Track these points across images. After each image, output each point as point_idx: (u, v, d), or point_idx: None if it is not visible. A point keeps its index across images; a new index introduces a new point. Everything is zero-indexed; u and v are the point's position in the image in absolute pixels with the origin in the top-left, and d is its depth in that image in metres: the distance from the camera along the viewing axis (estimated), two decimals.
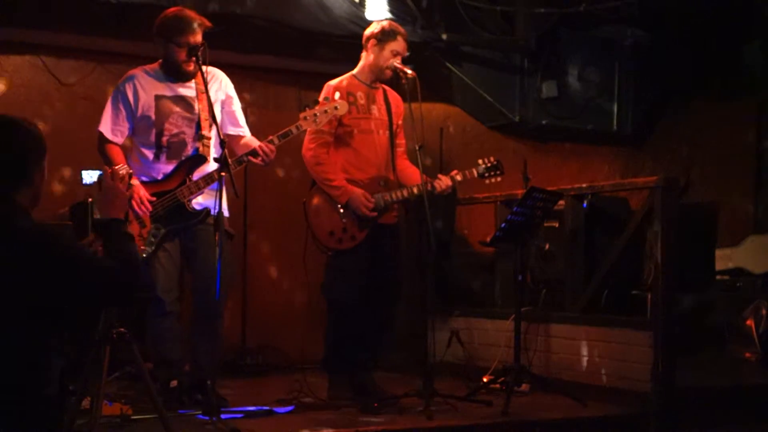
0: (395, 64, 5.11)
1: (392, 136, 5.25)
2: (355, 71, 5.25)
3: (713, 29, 7.75)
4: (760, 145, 8.69)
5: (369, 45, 5.18)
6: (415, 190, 5.05)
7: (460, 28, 7.03)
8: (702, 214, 6.82)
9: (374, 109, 5.20)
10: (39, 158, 2.87)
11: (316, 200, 5.10)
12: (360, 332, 5.17)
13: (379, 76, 5.21)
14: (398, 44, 5.12)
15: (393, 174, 5.25)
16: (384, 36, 5.12)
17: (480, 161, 5.27)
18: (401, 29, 5.20)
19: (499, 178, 5.29)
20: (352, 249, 5.07)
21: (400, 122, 5.32)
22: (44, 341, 2.70)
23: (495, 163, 5.26)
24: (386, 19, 6.11)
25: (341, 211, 5.04)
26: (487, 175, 5.26)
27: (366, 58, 5.21)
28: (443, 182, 5.14)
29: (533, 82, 7.46)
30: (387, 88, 5.33)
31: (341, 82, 5.17)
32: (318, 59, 6.78)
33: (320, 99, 4.94)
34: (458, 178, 5.19)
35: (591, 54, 7.66)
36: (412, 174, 5.21)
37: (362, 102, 5.16)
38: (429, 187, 5.05)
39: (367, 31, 5.22)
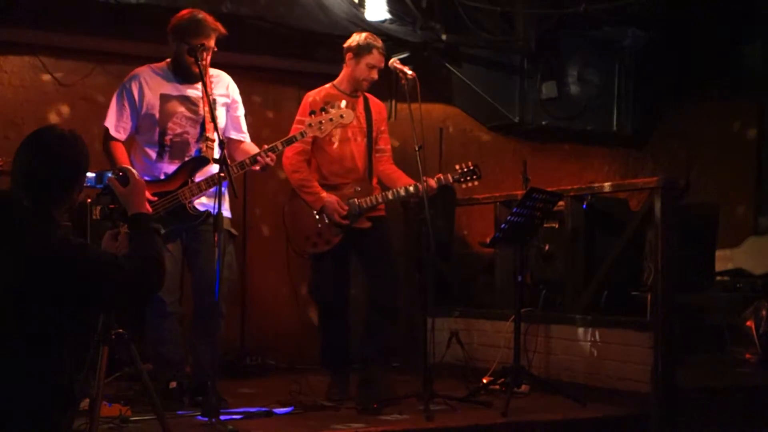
0: (395, 64, 5.20)
1: (370, 143, 5.35)
2: (336, 81, 5.38)
3: (713, 29, 7.74)
4: (760, 145, 8.68)
5: (346, 58, 5.32)
6: (390, 195, 5.21)
7: (460, 29, 7.03)
8: (702, 215, 6.81)
9: None
10: (84, 176, 2.89)
11: (293, 205, 5.29)
12: (367, 328, 5.32)
13: (357, 87, 5.33)
14: (373, 57, 5.25)
15: (370, 180, 5.35)
16: (359, 50, 5.26)
17: (457, 166, 5.31)
18: (378, 42, 5.30)
19: (476, 183, 5.33)
20: (327, 252, 5.21)
21: (382, 128, 5.44)
22: (64, 347, 2.77)
23: (472, 167, 5.30)
24: (383, 27, 6.19)
25: (317, 216, 5.18)
26: (462, 180, 5.30)
27: (344, 69, 5.35)
28: (421, 186, 5.12)
29: (533, 83, 7.46)
30: (369, 95, 5.44)
31: (319, 92, 5.30)
32: (318, 59, 6.78)
33: (299, 111, 5.12)
34: (433, 185, 5.16)
35: (591, 54, 7.66)
36: (398, 178, 5.35)
37: None
38: (402, 194, 5.19)
39: (345, 44, 5.34)
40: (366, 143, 5.34)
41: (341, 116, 4.87)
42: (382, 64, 5.27)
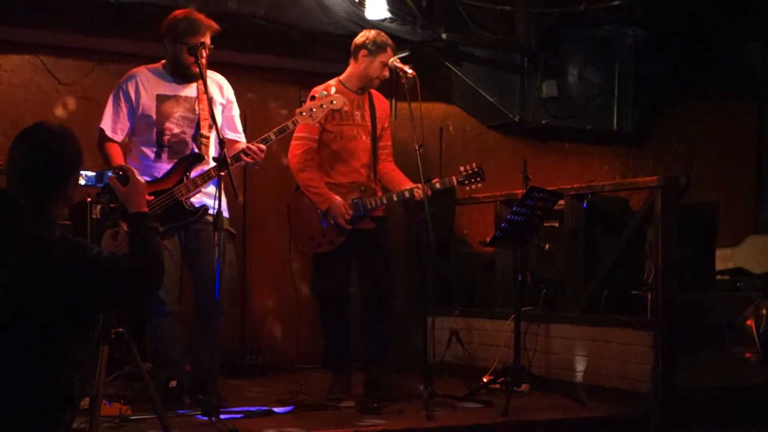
0: (395, 63, 5.19)
1: (375, 142, 5.33)
2: (342, 77, 5.35)
3: (713, 29, 7.73)
4: (759, 143, 8.67)
5: (360, 54, 5.27)
6: (394, 197, 5.20)
7: (460, 28, 7.03)
8: (702, 214, 6.80)
9: (357, 115, 5.30)
10: (77, 171, 2.89)
11: (298, 204, 5.27)
12: (364, 330, 5.33)
13: (367, 85, 5.32)
14: (387, 56, 5.24)
15: (375, 180, 5.34)
16: (376, 48, 5.23)
17: (462, 168, 5.30)
18: (390, 40, 5.30)
19: (480, 185, 5.33)
20: (330, 252, 5.20)
21: (385, 125, 5.41)
22: (63, 346, 2.76)
23: (476, 170, 5.28)
24: (383, 26, 6.19)
25: (321, 217, 5.16)
26: (466, 182, 5.29)
27: (354, 66, 5.31)
28: (420, 191, 5.14)
29: (533, 82, 7.46)
30: (374, 92, 5.41)
31: (327, 87, 5.21)
32: (318, 59, 6.77)
33: (307, 100, 4.98)
34: (437, 186, 5.24)
35: (591, 54, 7.66)
36: (395, 178, 5.36)
37: (346, 109, 5.23)
38: (407, 196, 5.18)
39: (358, 40, 5.31)
40: (370, 142, 5.32)
41: (332, 101, 4.84)
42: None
